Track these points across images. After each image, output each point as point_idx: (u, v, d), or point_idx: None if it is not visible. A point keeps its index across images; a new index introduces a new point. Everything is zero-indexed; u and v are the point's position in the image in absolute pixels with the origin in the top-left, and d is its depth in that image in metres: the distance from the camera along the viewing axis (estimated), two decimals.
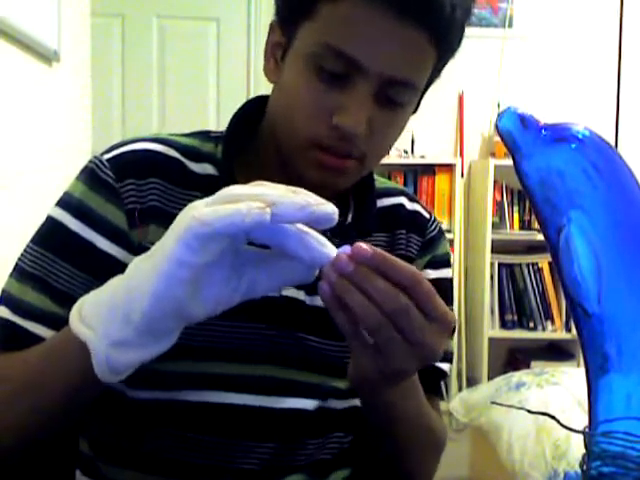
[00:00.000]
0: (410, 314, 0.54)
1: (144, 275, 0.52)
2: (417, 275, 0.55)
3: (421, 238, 0.85)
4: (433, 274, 0.85)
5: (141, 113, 3.26)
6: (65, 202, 0.73)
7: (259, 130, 0.79)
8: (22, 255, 0.73)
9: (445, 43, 0.70)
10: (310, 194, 0.52)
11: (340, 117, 0.68)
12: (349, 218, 0.80)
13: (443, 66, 0.74)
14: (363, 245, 0.54)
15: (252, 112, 0.79)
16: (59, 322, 0.68)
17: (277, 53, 0.74)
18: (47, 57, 1.88)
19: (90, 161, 0.75)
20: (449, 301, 0.87)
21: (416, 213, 0.86)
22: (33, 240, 0.73)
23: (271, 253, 0.55)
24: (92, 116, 2.38)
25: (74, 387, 0.62)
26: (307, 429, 0.77)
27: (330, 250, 0.54)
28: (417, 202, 0.88)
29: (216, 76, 3.28)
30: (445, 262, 0.87)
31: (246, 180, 0.75)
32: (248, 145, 0.79)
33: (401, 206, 0.85)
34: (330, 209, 0.52)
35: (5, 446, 0.65)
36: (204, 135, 0.80)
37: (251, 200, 0.49)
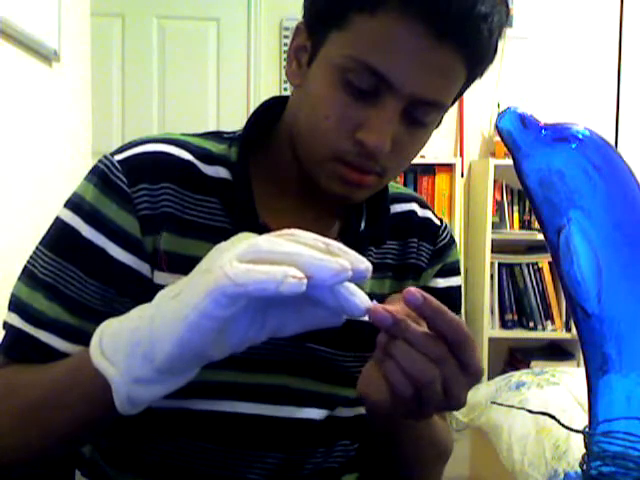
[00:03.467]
0: (452, 368, 0.55)
1: (170, 319, 0.51)
2: (462, 327, 0.55)
3: (432, 246, 0.84)
4: (443, 283, 0.85)
5: (141, 113, 3.26)
6: (76, 205, 0.71)
7: (275, 130, 0.78)
8: (32, 259, 0.71)
9: (479, 66, 0.69)
10: (345, 250, 0.52)
11: (365, 133, 0.67)
12: (362, 226, 0.79)
13: (470, 85, 0.73)
14: (413, 290, 0.54)
15: (268, 112, 0.78)
16: (71, 331, 0.68)
17: (301, 56, 0.72)
18: (47, 57, 1.88)
19: (100, 161, 0.72)
20: (458, 309, 0.87)
21: (428, 220, 0.86)
22: (44, 243, 0.71)
23: (299, 296, 0.54)
24: (92, 116, 2.38)
25: (90, 415, 0.61)
26: (315, 438, 0.76)
27: (360, 300, 0.54)
28: (429, 208, 0.87)
29: (216, 76, 3.28)
30: (455, 270, 0.87)
31: (261, 186, 0.75)
32: (263, 146, 0.78)
33: (413, 213, 0.85)
34: (364, 268, 0.52)
35: (9, 460, 0.65)
36: (216, 136, 0.78)
37: (285, 262, 0.48)
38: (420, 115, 0.68)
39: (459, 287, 0.87)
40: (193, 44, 3.26)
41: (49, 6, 1.86)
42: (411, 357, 0.54)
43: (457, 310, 0.87)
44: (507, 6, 0.69)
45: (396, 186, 0.85)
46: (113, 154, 0.72)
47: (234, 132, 0.79)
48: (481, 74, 0.71)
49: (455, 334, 0.54)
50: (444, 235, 0.86)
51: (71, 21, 2.09)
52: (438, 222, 0.87)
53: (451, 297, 0.86)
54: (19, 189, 1.71)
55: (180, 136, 0.76)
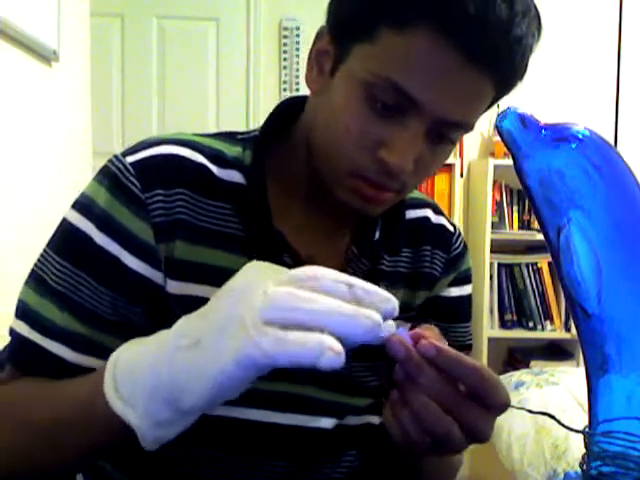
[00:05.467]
0: (474, 412, 0.53)
1: (195, 376, 0.50)
2: (481, 372, 0.53)
3: (446, 255, 0.83)
4: (455, 292, 0.84)
5: (141, 113, 3.26)
6: (87, 209, 0.68)
7: (290, 133, 0.76)
8: (41, 263, 0.69)
9: (508, 87, 0.67)
10: (368, 290, 0.49)
11: (387, 153, 0.65)
12: (377, 234, 0.78)
13: (496, 102, 0.70)
14: (426, 344, 0.52)
15: (285, 114, 0.76)
16: (81, 341, 0.66)
17: (323, 62, 0.69)
18: (47, 57, 1.88)
19: (112, 162, 0.70)
20: (468, 317, 0.87)
21: (441, 227, 0.84)
22: (53, 248, 0.69)
23: None
24: (92, 116, 2.38)
25: (103, 444, 0.61)
26: (324, 448, 0.76)
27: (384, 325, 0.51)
28: (442, 214, 0.86)
29: (216, 76, 3.28)
30: (468, 278, 0.86)
31: (275, 191, 0.73)
32: (277, 148, 0.76)
33: (427, 219, 0.83)
34: (391, 308, 0.50)
35: (9, 475, 0.63)
36: (230, 137, 0.76)
37: (315, 326, 0.47)
38: (445, 134, 0.66)
39: (470, 295, 0.87)
40: (193, 44, 3.26)
41: (48, 6, 1.86)
42: (426, 409, 0.52)
43: (468, 318, 0.87)
44: (539, 22, 0.67)
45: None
46: (125, 155, 0.70)
47: (248, 132, 0.77)
48: (509, 92, 0.69)
49: (475, 381, 0.53)
50: (458, 243, 0.85)
51: (70, 21, 2.09)
52: (452, 229, 0.85)
53: (462, 306, 0.85)
54: (19, 189, 1.71)
55: (193, 137, 0.74)
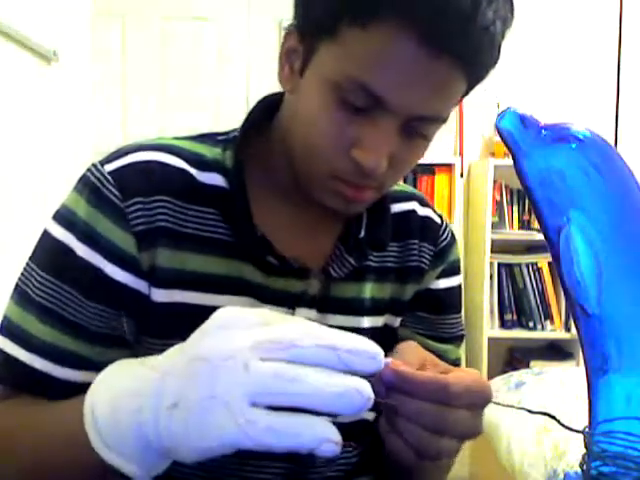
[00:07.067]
0: (458, 421, 0.54)
1: (181, 441, 0.47)
2: (447, 386, 0.54)
3: (433, 247, 0.83)
4: (444, 283, 0.84)
5: (141, 113, 3.26)
6: (68, 221, 0.68)
7: (270, 131, 0.75)
8: (24, 277, 0.68)
9: (480, 75, 0.65)
10: (354, 350, 0.46)
11: (360, 153, 0.63)
12: (362, 232, 0.77)
13: (471, 91, 0.69)
14: (387, 371, 0.53)
15: (264, 112, 0.76)
16: (67, 356, 0.66)
17: (293, 60, 0.68)
18: (46, 57, 1.88)
19: (90, 171, 0.69)
20: (458, 308, 0.87)
21: (428, 219, 0.84)
22: (36, 261, 0.68)
23: None
24: (92, 116, 2.38)
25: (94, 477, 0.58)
26: None
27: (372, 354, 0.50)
28: (429, 206, 0.86)
29: (216, 76, 3.28)
30: (456, 269, 0.86)
31: (257, 192, 0.72)
32: (258, 147, 0.75)
33: (413, 212, 0.83)
34: (376, 368, 0.47)
35: None
36: (210, 139, 0.76)
37: (305, 407, 0.44)
38: (419, 129, 0.65)
39: (459, 286, 0.87)
40: (193, 44, 3.26)
41: (49, 6, 1.86)
42: (412, 435, 0.54)
43: (458, 309, 0.87)
44: (511, 5, 0.65)
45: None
46: (103, 163, 0.69)
47: (227, 133, 0.76)
48: (484, 79, 0.67)
49: (444, 396, 0.54)
50: (445, 235, 0.85)
51: (71, 21, 2.09)
52: (439, 220, 0.85)
53: (452, 297, 0.86)
54: (19, 189, 1.70)
55: (172, 141, 0.73)
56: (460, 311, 0.87)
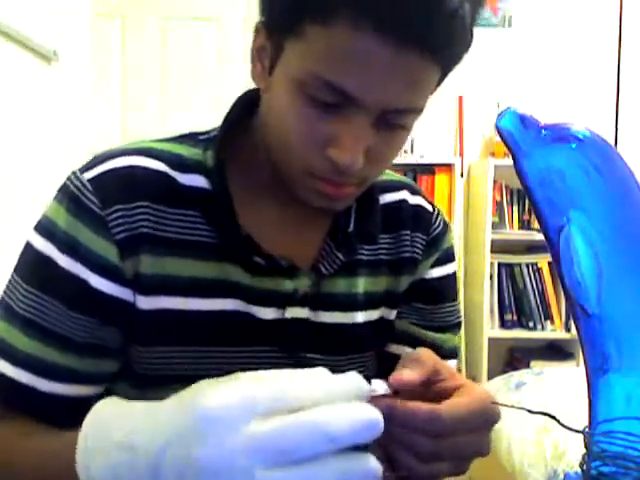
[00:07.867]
0: (457, 445, 0.54)
1: None
2: (436, 417, 0.53)
3: (426, 236, 0.82)
4: (439, 272, 0.83)
5: (141, 113, 3.26)
6: (49, 232, 0.67)
7: (250, 128, 0.74)
8: (8, 290, 0.67)
9: (451, 58, 0.63)
10: (351, 431, 0.43)
11: (335, 151, 0.62)
12: (351, 225, 0.76)
13: (447, 76, 0.67)
14: (381, 404, 0.50)
15: (243, 109, 0.75)
16: (52, 369, 0.65)
17: (263, 58, 0.67)
18: (46, 57, 1.88)
19: (70, 180, 0.68)
20: (454, 297, 0.85)
21: (419, 208, 0.83)
22: (19, 274, 0.67)
23: None
24: (92, 116, 2.38)
25: None
26: None
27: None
28: (420, 194, 0.84)
29: (216, 76, 3.28)
30: (450, 256, 0.85)
31: (241, 191, 0.71)
32: (240, 145, 0.74)
33: (404, 202, 0.82)
34: (371, 435, 0.44)
35: None
36: (191, 139, 0.74)
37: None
38: (394, 120, 0.63)
39: (454, 273, 0.85)
40: (193, 44, 3.26)
41: (49, 6, 1.86)
42: (409, 466, 0.54)
43: (454, 297, 0.85)
44: None
45: (385, 172, 0.79)
46: (82, 171, 0.68)
47: (209, 132, 0.75)
48: (458, 62, 0.64)
49: (437, 427, 0.53)
50: (437, 223, 0.83)
51: (71, 21, 2.09)
52: (430, 208, 0.84)
53: (447, 285, 0.84)
54: (18, 189, 1.71)
55: (152, 144, 0.72)
56: (456, 299, 0.86)
